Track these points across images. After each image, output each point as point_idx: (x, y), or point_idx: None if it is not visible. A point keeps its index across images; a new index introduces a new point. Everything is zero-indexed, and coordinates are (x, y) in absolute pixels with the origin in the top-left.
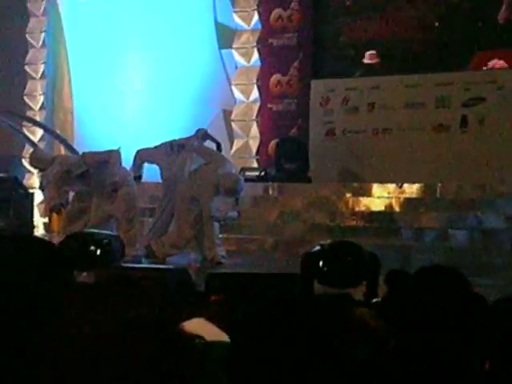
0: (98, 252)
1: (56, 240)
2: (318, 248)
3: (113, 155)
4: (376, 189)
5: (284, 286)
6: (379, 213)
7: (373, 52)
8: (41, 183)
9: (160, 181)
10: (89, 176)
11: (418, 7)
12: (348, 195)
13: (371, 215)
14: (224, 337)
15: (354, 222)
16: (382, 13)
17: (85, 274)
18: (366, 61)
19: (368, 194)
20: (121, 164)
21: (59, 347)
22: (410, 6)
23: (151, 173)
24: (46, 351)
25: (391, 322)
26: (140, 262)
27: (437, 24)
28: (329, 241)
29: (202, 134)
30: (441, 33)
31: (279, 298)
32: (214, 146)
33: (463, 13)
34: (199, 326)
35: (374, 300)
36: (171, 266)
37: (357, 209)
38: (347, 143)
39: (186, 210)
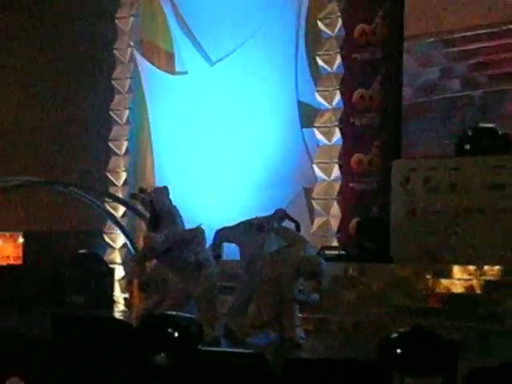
0: (176, 335)
1: (135, 319)
2: (395, 335)
3: (197, 234)
4: (456, 270)
5: (361, 373)
6: (459, 295)
7: None
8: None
9: (238, 259)
10: (171, 254)
11: None
12: (428, 276)
13: (451, 297)
14: None
15: (434, 304)
16: None
17: (162, 355)
18: None
19: (448, 275)
20: (205, 243)
21: None
22: None
23: (228, 250)
24: None
25: None
26: (219, 343)
27: None
28: (407, 328)
29: (281, 215)
30: None
31: None
32: (292, 226)
33: None
34: None
35: None
36: (249, 351)
37: (437, 290)
38: (428, 223)
39: (267, 291)
